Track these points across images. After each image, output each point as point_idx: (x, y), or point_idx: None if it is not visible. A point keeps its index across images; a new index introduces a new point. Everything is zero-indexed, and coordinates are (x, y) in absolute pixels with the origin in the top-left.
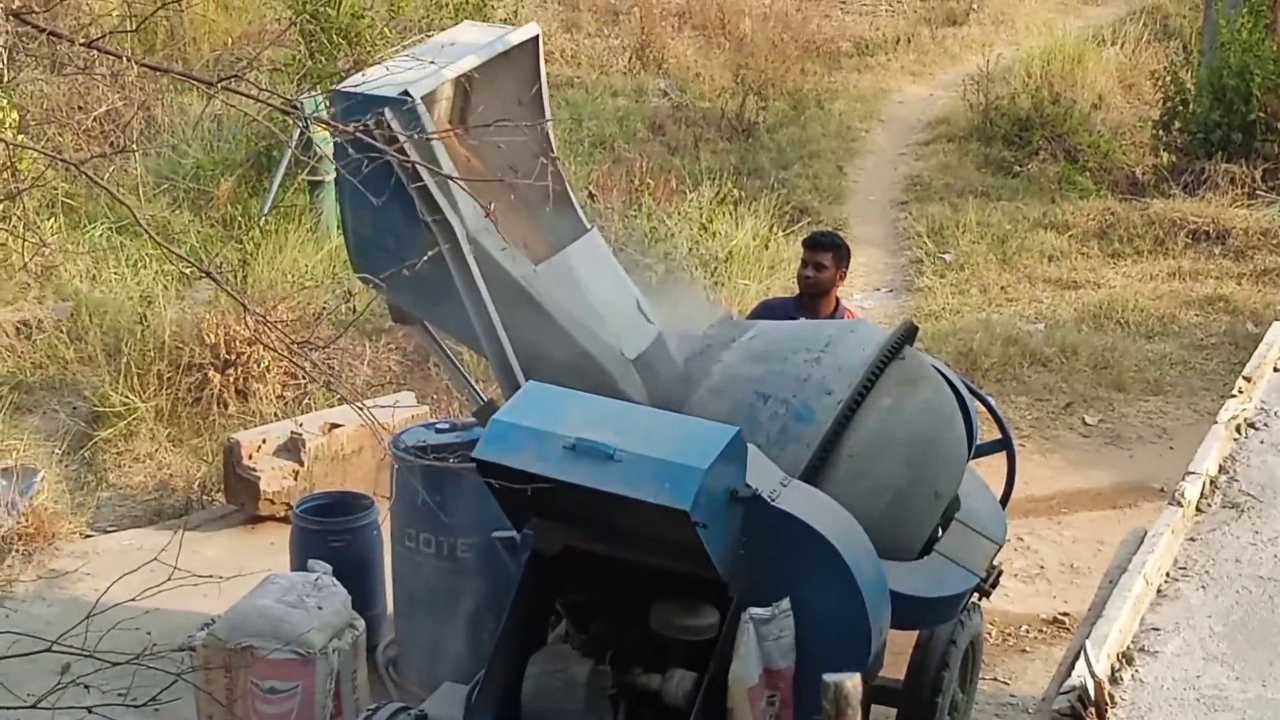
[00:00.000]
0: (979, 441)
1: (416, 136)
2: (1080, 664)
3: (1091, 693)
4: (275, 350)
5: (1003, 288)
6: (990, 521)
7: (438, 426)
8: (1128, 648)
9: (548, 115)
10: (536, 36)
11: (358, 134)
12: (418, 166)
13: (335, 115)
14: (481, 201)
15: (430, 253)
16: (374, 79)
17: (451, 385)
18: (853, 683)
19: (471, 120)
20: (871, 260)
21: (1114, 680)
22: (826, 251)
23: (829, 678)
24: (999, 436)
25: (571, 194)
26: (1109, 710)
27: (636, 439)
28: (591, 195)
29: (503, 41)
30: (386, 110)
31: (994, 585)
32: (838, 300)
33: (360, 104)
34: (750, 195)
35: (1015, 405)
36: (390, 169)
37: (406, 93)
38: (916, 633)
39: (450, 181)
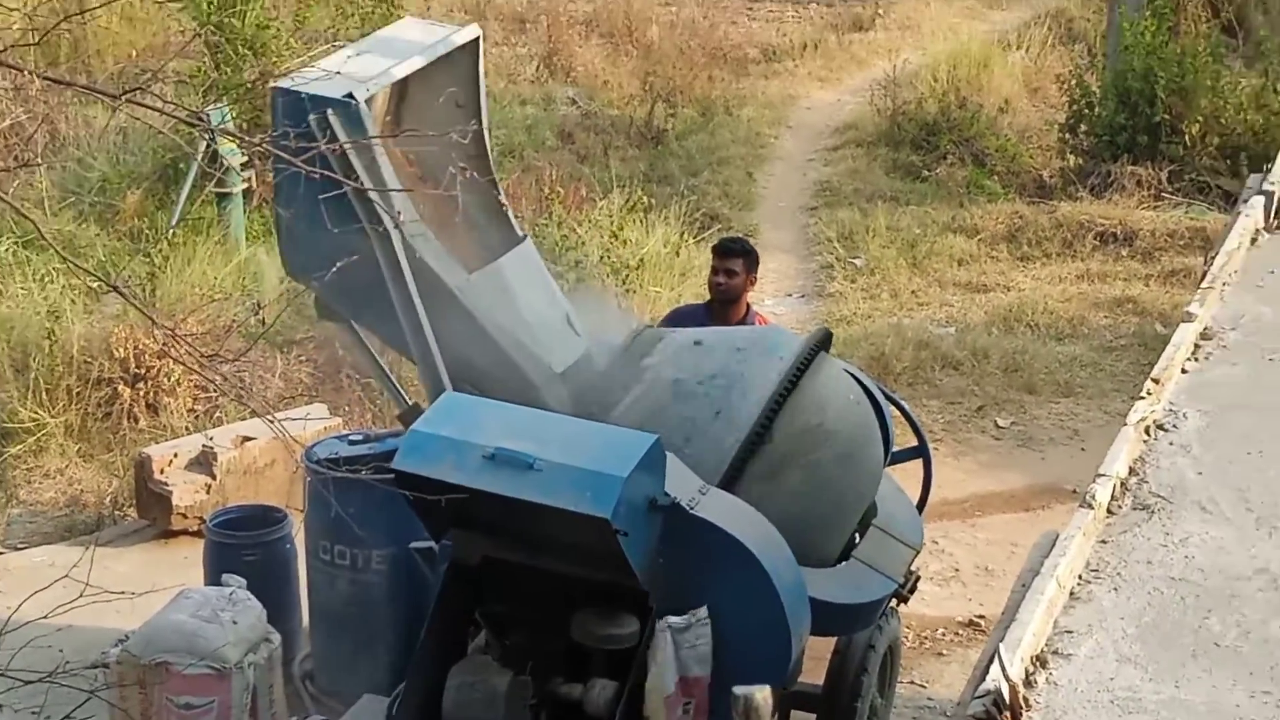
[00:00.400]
0: (895, 447)
1: (356, 140)
2: (994, 668)
3: (1006, 696)
4: (185, 364)
5: (913, 292)
6: (907, 527)
7: (350, 438)
8: (1041, 650)
9: (485, 119)
10: (478, 38)
11: (282, 140)
12: (356, 171)
13: (274, 112)
14: (395, 211)
15: (358, 256)
16: (312, 78)
17: (378, 385)
18: (762, 695)
19: (408, 120)
20: (782, 266)
21: (1028, 683)
22: (736, 258)
23: (739, 690)
24: (914, 442)
25: (505, 202)
26: (1023, 713)
27: (556, 448)
28: (503, 205)
29: (446, 43)
30: (328, 111)
31: (912, 590)
32: (749, 306)
33: (302, 103)
34: (660, 202)
35: (928, 409)
36: (325, 169)
37: (350, 95)
38: (835, 638)
39: (386, 185)
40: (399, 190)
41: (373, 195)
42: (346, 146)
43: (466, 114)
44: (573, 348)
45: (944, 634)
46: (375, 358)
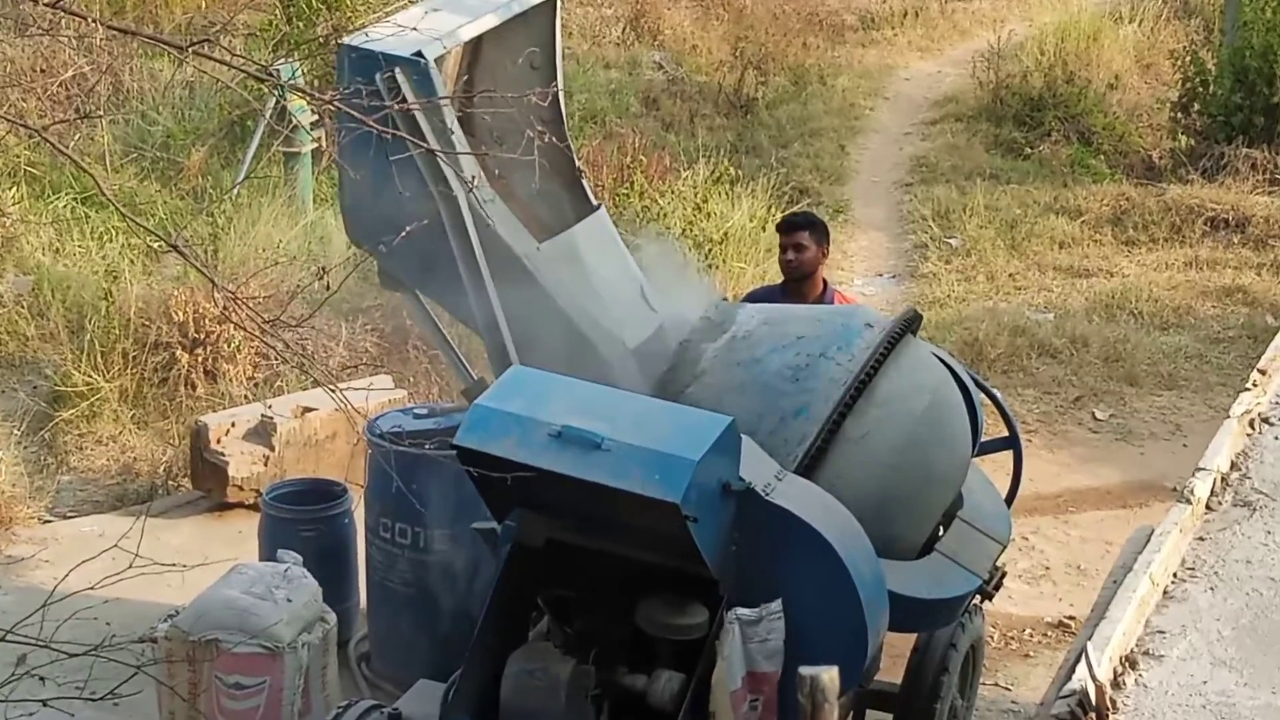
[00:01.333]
0: (984, 437)
1: (427, 101)
2: (1081, 667)
3: (1092, 697)
4: (246, 329)
5: (1011, 275)
6: (994, 520)
7: (415, 412)
8: (1131, 651)
9: (561, 82)
10: None
11: (353, 98)
12: (424, 133)
13: (340, 70)
14: (465, 175)
15: (425, 222)
16: (384, 34)
17: (443, 359)
18: (829, 676)
19: (481, 81)
20: (874, 244)
21: (1116, 685)
22: (801, 230)
23: (805, 671)
24: (1005, 432)
25: (581, 169)
26: (1110, 716)
27: (625, 427)
28: (580, 172)
29: (521, 1)
30: (397, 70)
31: (997, 587)
32: (825, 283)
33: (369, 61)
34: (748, 174)
35: (1022, 398)
36: (394, 129)
37: (420, 53)
38: (915, 635)
39: (455, 148)
40: (469, 154)
41: (441, 158)
42: (415, 107)
43: (542, 76)
44: (646, 323)
45: (1031, 635)
46: (440, 329)
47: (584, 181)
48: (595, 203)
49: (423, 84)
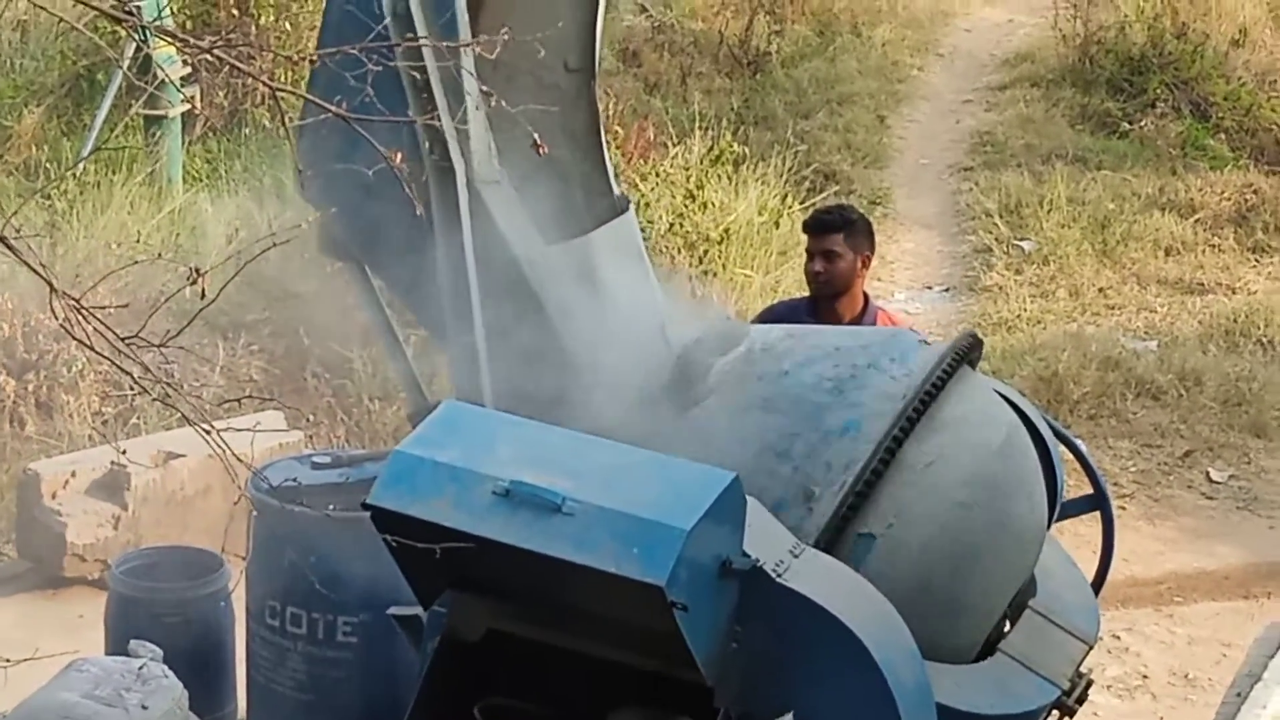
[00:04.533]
0: (1064, 500)
1: (448, 42)
2: None
3: None
4: (92, 349)
5: (1101, 290)
6: (1076, 612)
7: (315, 460)
8: None
9: (600, 20)
10: None
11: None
12: (430, 82)
13: None
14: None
15: (405, 192)
16: None
17: (389, 366)
18: None
19: (484, 23)
20: (922, 247)
21: None
22: (834, 233)
23: None
24: (1090, 494)
25: (606, 151)
26: None
27: (593, 484)
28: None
29: None
30: None
31: (1080, 700)
32: (867, 299)
33: None
34: (757, 153)
35: (1114, 452)
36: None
37: None
38: None
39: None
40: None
41: (444, 119)
42: (425, 45)
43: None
44: (660, 367)
45: None
46: (391, 324)
47: (608, 165)
48: (620, 197)
49: (440, 6)
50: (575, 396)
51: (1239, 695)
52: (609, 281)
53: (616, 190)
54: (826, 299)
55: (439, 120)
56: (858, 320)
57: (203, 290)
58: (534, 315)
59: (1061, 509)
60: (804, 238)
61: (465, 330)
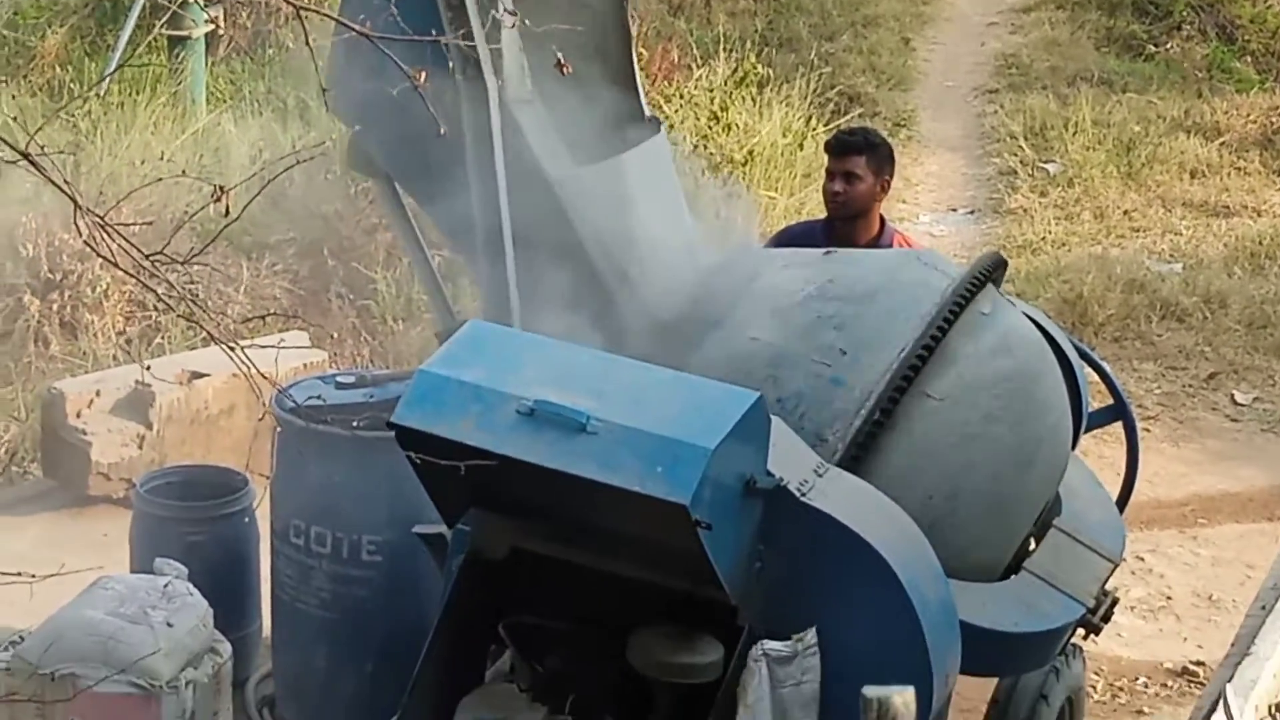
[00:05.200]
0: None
1: None
2: (1218, 717)
3: None
4: (117, 267)
5: (1126, 212)
6: (1102, 531)
7: (339, 380)
8: None
9: None
10: None
11: None
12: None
13: None
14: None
15: (436, 109)
16: None
17: (418, 282)
18: (903, 699)
19: None
20: (946, 169)
21: None
22: (857, 155)
23: (871, 691)
24: (1112, 404)
25: (638, 72)
26: None
27: (618, 404)
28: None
29: None
30: None
31: (1105, 618)
32: (883, 221)
33: None
34: (781, 75)
35: (1139, 374)
36: None
37: None
38: (994, 683)
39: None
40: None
41: (477, 38)
42: None
43: None
44: (687, 289)
45: (1147, 685)
46: (419, 239)
47: (639, 87)
48: (652, 119)
49: None
50: (602, 316)
51: (1263, 609)
52: (639, 204)
53: (648, 112)
54: (843, 221)
55: (473, 39)
56: (873, 243)
57: (226, 208)
58: (563, 235)
59: (1088, 420)
60: (826, 158)
61: (495, 248)
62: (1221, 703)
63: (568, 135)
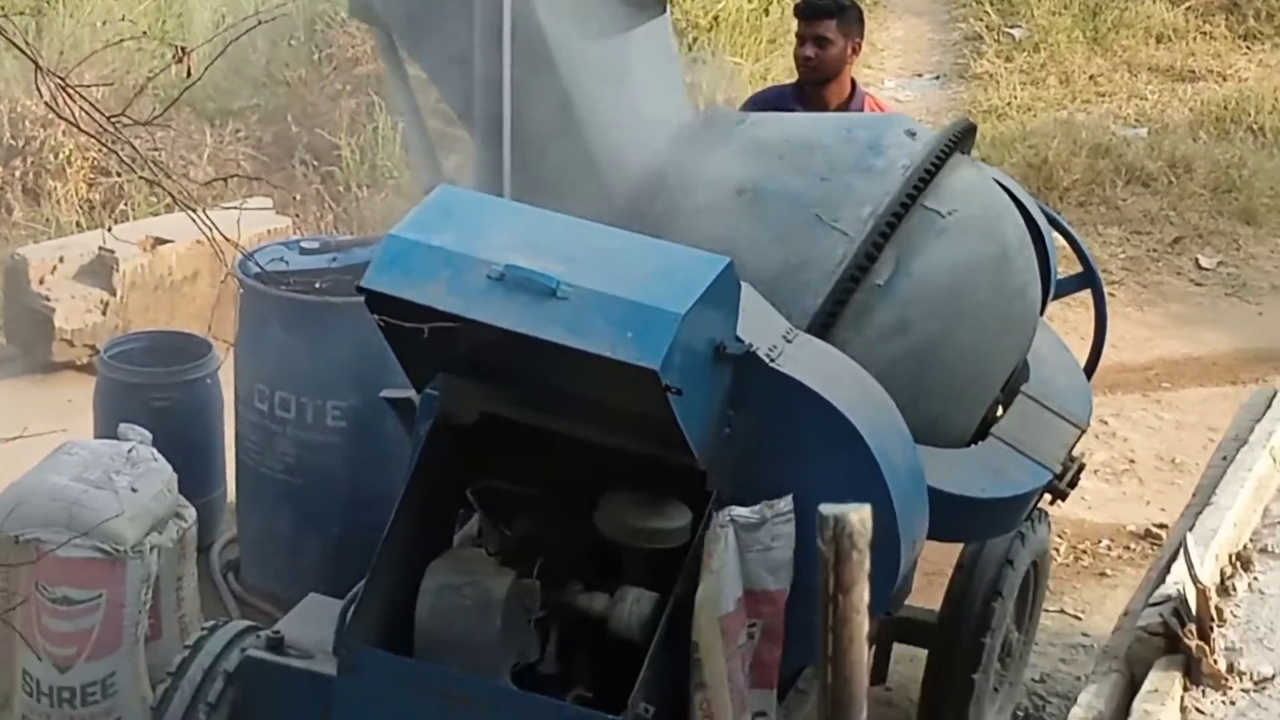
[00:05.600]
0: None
1: None
2: (1179, 566)
3: (1192, 605)
4: (79, 128)
5: (1092, 77)
6: (1069, 397)
7: (303, 245)
8: (1244, 547)
9: None
10: None
11: None
12: None
13: None
14: None
15: None
16: None
17: (406, 136)
18: (860, 516)
19: None
20: (911, 34)
21: (1224, 590)
22: (828, 19)
23: (828, 509)
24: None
25: None
26: (1214, 628)
27: (588, 269)
28: None
29: None
30: None
31: (1072, 484)
32: (854, 85)
33: None
34: None
35: (1104, 239)
36: None
37: None
38: (959, 549)
39: None
40: None
41: None
42: None
43: None
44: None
45: (1110, 548)
46: (412, 94)
47: None
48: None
49: None
50: (595, 190)
51: (1224, 459)
52: (638, 82)
53: None
54: (814, 85)
55: None
56: (844, 106)
57: (188, 70)
58: (561, 106)
59: (1056, 287)
60: (794, 24)
61: (491, 109)
62: (1182, 551)
63: (574, 6)
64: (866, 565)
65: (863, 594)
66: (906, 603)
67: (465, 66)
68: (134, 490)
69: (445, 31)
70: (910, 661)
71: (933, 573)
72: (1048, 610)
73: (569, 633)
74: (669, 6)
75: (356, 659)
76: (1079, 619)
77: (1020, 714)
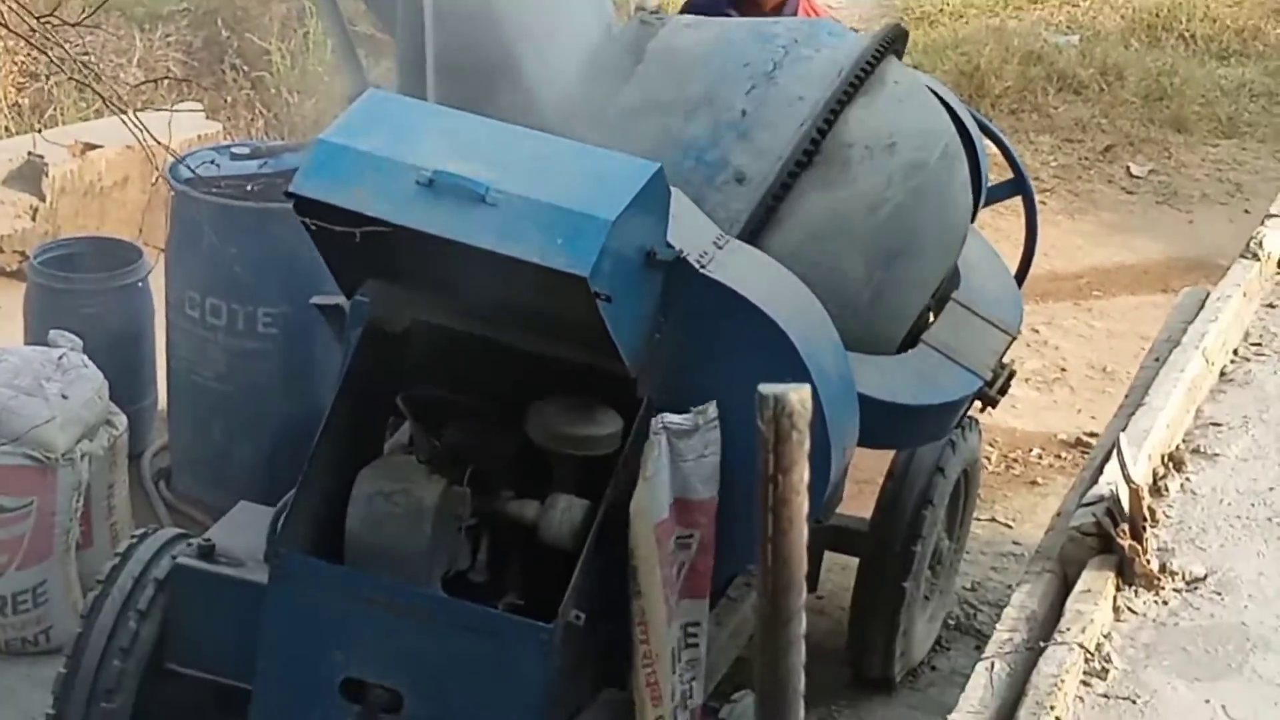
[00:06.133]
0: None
1: None
2: (1112, 466)
3: (1125, 505)
4: (9, 29)
5: None
6: (1000, 304)
7: (234, 150)
8: (1177, 448)
9: None
10: None
11: None
12: None
13: None
14: None
15: None
16: None
17: (330, 41)
18: (799, 396)
19: None
20: None
21: (1156, 490)
22: None
23: (767, 389)
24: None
25: None
26: (1147, 528)
27: (518, 175)
28: None
29: None
30: None
31: (1002, 391)
32: None
33: None
34: None
35: (1036, 147)
36: None
37: None
38: (890, 458)
39: None
40: None
41: None
42: None
43: None
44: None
45: (1041, 456)
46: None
47: None
48: None
49: None
50: (516, 91)
51: (1157, 360)
52: None
53: None
54: None
55: None
56: (778, 10)
57: None
58: (484, 6)
59: (987, 194)
60: None
61: (414, 14)
62: (1115, 452)
63: None
64: (806, 445)
65: (803, 474)
66: (838, 511)
67: None
68: (64, 397)
69: None
70: (842, 570)
71: (863, 481)
72: (979, 519)
73: (500, 540)
74: None
75: (288, 566)
76: (1010, 527)
77: (951, 622)
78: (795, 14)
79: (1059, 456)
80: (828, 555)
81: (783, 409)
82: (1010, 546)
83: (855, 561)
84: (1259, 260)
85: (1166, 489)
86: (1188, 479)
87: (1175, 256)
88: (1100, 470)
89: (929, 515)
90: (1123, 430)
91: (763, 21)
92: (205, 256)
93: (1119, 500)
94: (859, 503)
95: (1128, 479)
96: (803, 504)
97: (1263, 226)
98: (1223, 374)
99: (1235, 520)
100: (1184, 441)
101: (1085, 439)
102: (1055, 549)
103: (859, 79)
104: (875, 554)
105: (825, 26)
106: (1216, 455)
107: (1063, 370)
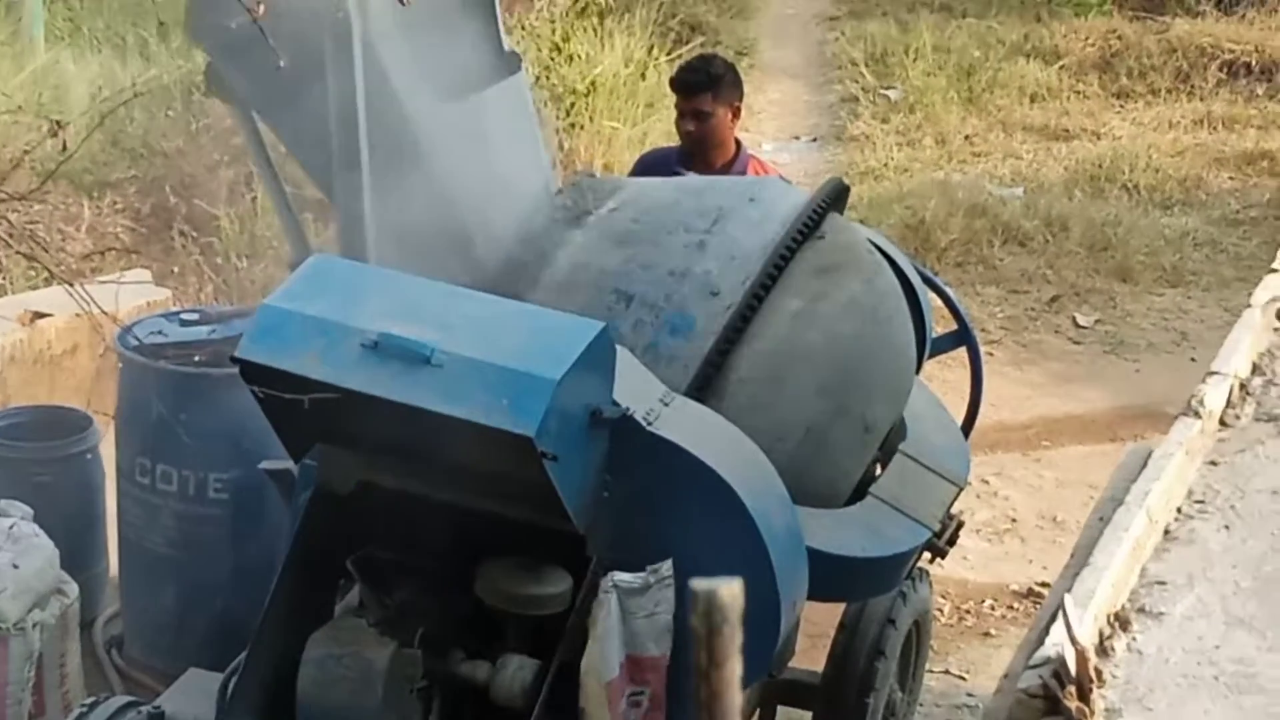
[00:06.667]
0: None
1: None
2: (1058, 628)
3: (1072, 666)
4: None
5: (967, 137)
6: (947, 455)
7: (183, 317)
8: (1123, 608)
9: None
10: None
11: None
12: None
13: None
14: None
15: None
16: None
17: (274, 213)
18: (730, 591)
19: None
20: (789, 97)
21: (1103, 650)
22: (702, 94)
23: (697, 584)
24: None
25: (498, 6)
26: (1094, 690)
27: (463, 336)
28: None
29: None
30: None
31: (951, 542)
32: (739, 144)
33: None
34: (623, 4)
35: (982, 299)
36: None
37: None
38: (842, 610)
39: None
40: None
41: None
42: None
43: None
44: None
45: (993, 607)
46: (275, 171)
47: (498, 19)
48: (512, 54)
49: None
50: (458, 253)
51: (1101, 519)
52: (498, 141)
53: (507, 47)
54: (700, 152)
55: None
56: (729, 167)
57: (64, 143)
58: (422, 172)
59: (932, 345)
60: (671, 92)
61: (352, 182)
62: (1061, 613)
63: (428, 71)
64: (739, 640)
65: (735, 669)
66: (790, 665)
67: (324, 141)
68: (15, 567)
69: (300, 108)
70: None
71: (816, 634)
72: (932, 670)
73: (452, 701)
74: (522, 66)
75: None
76: (964, 679)
77: None
78: (745, 172)
79: (1011, 607)
80: (780, 709)
81: (714, 603)
82: (964, 699)
83: (808, 716)
84: (1200, 419)
85: (1113, 649)
86: (1134, 639)
87: (1123, 406)
88: (1047, 631)
89: (881, 667)
90: (1068, 591)
91: (707, 180)
92: (154, 424)
93: (1065, 662)
94: (811, 657)
95: (1074, 640)
96: (736, 697)
97: (1203, 384)
98: (1167, 532)
99: (1181, 679)
100: (1129, 601)
101: (1037, 589)
102: (1003, 711)
103: (796, 242)
104: (828, 707)
105: (770, 184)
106: (1162, 614)
107: (1013, 521)
